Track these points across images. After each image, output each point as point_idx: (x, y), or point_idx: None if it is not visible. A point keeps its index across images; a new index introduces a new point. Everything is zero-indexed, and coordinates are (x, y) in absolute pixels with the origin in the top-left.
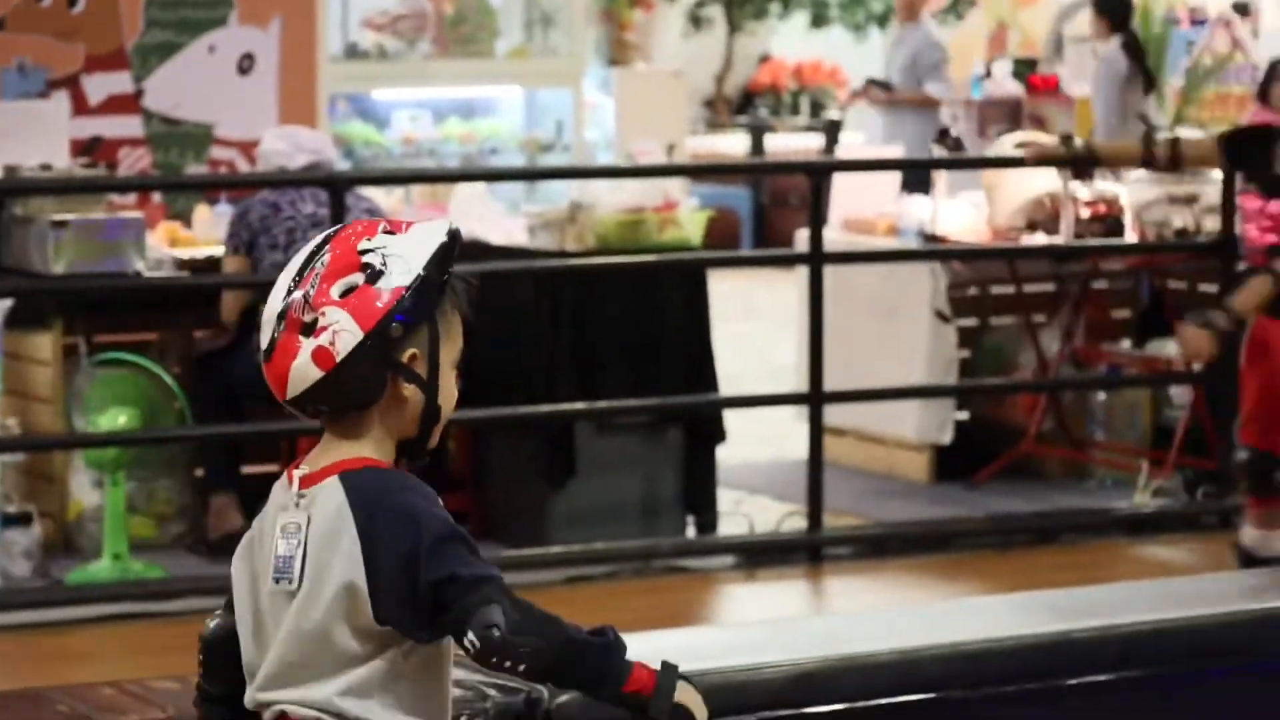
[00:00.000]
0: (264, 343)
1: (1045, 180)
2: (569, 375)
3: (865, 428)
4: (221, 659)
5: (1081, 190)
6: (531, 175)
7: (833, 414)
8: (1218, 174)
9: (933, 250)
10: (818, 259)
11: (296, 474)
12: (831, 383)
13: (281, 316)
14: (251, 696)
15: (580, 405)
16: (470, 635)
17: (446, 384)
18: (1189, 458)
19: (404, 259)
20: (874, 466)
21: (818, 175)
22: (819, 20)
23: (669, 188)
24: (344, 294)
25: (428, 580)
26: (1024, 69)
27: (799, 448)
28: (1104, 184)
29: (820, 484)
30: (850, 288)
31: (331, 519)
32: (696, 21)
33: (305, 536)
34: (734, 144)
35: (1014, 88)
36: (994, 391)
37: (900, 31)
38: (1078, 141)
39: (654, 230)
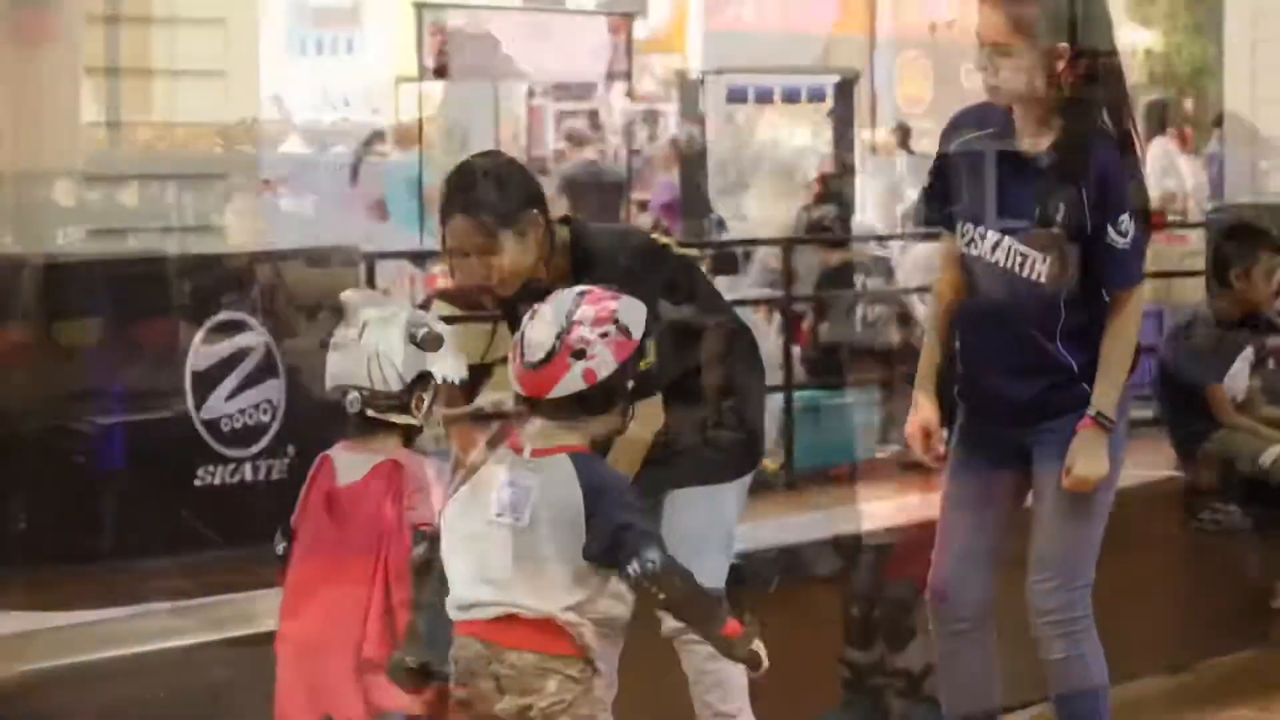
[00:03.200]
0: (534, 357)
1: None
2: None
3: None
4: (428, 574)
5: None
6: None
7: None
8: None
9: None
10: None
11: (528, 446)
12: None
13: (559, 341)
14: (464, 600)
15: None
16: (634, 564)
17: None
18: None
19: (635, 323)
20: None
21: None
22: None
23: None
24: (603, 336)
25: (614, 523)
26: None
27: None
28: None
29: None
30: None
31: (562, 482)
32: None
33: (535, 491)
34: None
35: None
36: None
37: None
38: None
39: None
